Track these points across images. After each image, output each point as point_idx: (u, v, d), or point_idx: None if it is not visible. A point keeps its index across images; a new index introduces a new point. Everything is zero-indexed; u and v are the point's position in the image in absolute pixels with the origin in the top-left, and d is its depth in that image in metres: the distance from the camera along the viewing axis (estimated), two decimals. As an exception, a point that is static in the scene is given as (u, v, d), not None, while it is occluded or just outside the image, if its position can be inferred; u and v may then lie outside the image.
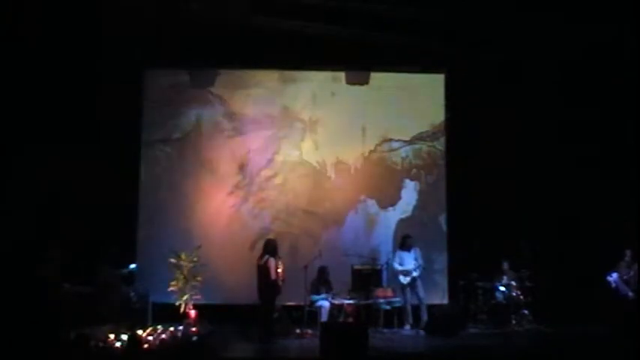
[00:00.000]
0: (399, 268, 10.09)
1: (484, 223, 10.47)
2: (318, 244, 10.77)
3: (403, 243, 10.29)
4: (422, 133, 11.39)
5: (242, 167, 11.15)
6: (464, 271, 10.42)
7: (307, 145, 11.28)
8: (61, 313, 7.91)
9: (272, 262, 8.84)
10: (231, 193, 11.09)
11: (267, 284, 8.81)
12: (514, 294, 10.11)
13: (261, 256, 8.99)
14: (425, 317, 9.88)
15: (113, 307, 8.85)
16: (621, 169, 10.14)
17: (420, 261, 10.08)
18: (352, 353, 7.35)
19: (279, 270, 8.90)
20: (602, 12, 9.22)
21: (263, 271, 8.85)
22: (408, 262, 10.09)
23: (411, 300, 10.04)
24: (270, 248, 9.02)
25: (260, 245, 9.49)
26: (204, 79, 11.19)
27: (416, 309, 10.03)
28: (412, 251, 10.17)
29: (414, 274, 10.00)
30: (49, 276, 8.24)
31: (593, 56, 10.16)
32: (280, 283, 8.90)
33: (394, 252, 10.43)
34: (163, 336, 7.91)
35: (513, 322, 9.89)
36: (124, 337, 7.44)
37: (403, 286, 10.04)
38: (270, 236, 9.84)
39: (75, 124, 10.33)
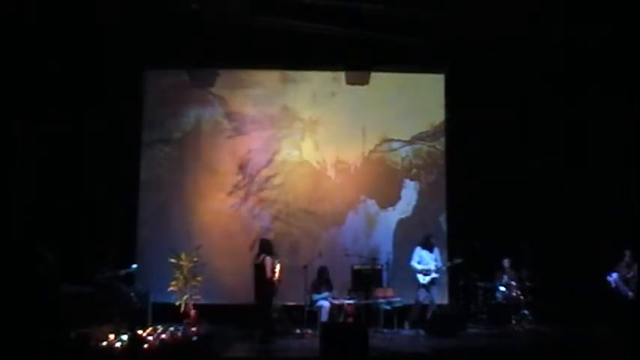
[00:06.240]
0: (419, 267, 9.93)
1: (484, 223, 10.46)
2: (318, 244, 10.79)
3: (426, 242, 10.07)
4: (422, 133, 11.40)
5: (242, 167, 11.16)
6: (464, 271, 10.41)
7: (307, 145, 11.28)
8: (61, 313, 7.91)
9: (268, 260, 8.83)
10: (231, 193, 11.10)
11: (262, 283, 8.81)
12: (514, 294, 10.11)
13: (258, 255, 8.98)
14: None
15: (113, 307, 8.85)
16: (621, 169, 10.13)
17: (440, 263, 9.99)
18: (352, 353, 7.35)
19: (276, 270, 8.88)
20: (602, 11, 9.22)
21: (259, 269, 8.85)
22: (428, 261, 9.95)
23: (423, 300, 9.89)
24: (266, 247, 9.01)
25: (259, 245, 9.51)
26: (204, 79, 11.15)
27: (423, 310, 9.90)
28: (434, 251, 10.06)
29: (434, 274, 9.90)
30: (45, 275, 8.23)
31: (593, 54, 10.15)
32: (277, 282, 8.88)
33: (414, 249, 10.11)
34: (163, 336, 7.92)
35: (513, 322, 9.89)
36: (124, 337, 7.46)
37: (419, 285, 9.88)
38: (270, 236, 9.84)
39: (75, 123, 10.35)
